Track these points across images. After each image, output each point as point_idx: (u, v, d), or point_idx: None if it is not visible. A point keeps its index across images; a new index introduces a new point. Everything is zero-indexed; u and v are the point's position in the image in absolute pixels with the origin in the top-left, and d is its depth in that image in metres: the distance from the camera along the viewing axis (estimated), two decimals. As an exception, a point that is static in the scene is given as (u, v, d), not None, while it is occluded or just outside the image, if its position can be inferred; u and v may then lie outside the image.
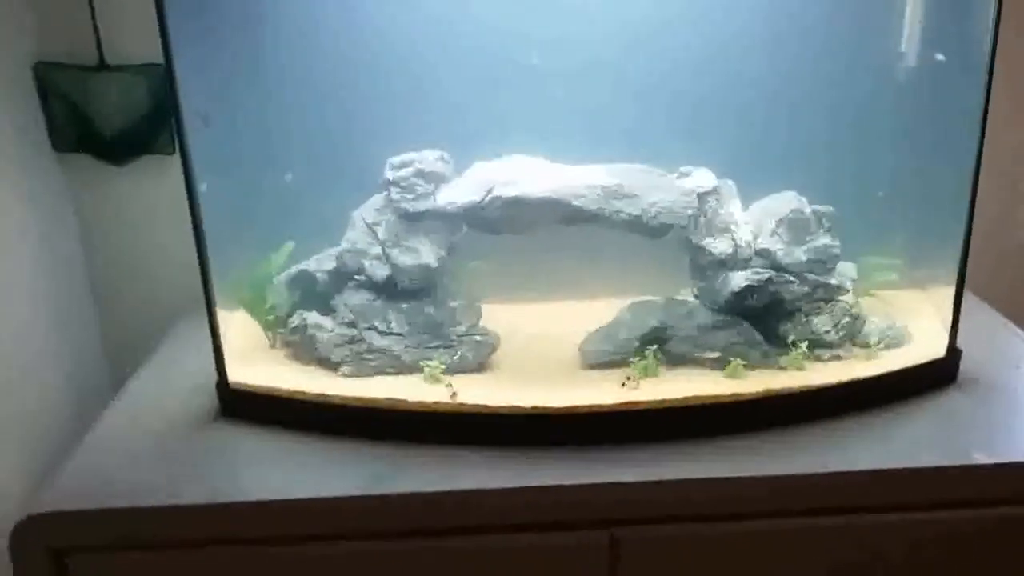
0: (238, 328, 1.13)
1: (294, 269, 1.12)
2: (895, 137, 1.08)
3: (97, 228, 1.40)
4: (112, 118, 1.30)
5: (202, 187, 0.98)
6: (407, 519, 0.92)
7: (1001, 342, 1.18)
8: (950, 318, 1.05)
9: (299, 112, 1.11)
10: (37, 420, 1.25)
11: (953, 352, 1.06)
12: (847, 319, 1.04)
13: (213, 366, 1.09)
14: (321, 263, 1.10)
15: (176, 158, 1.33)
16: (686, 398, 0.98)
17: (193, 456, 0.99)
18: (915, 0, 1.05)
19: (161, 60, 1.20)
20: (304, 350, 1.08)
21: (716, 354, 1.00)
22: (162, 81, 1.30)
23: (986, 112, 0.97)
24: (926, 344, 1.08)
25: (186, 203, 1.26)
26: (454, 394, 0.99)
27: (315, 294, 1.10)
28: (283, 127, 1.11)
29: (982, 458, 0.92)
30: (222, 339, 1.04)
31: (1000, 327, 1.22)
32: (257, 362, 1.11)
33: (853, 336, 1.05)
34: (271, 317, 1.11)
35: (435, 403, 1.00)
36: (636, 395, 0.99)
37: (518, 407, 0.98)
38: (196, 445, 1.01)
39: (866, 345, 1.05)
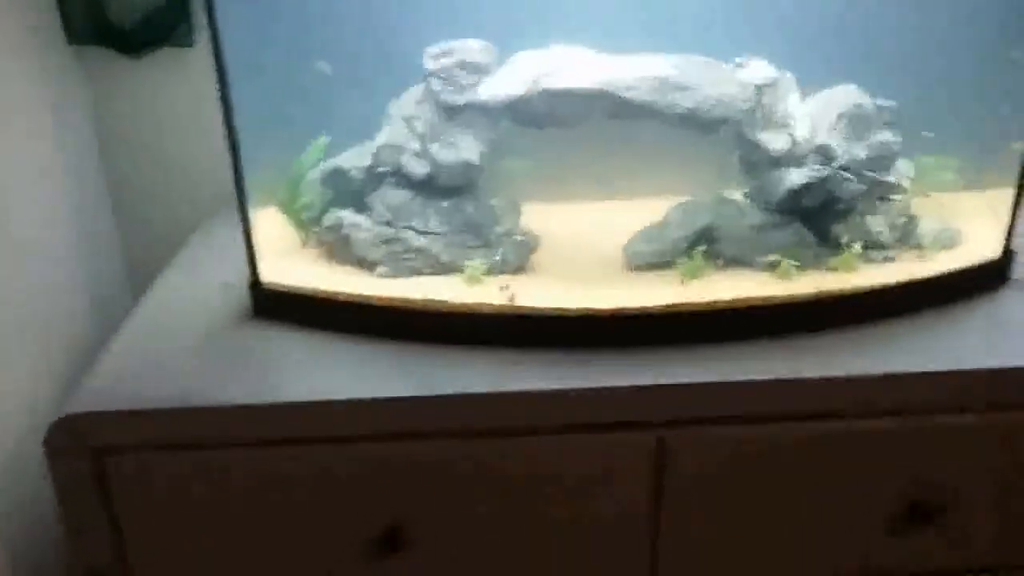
0: (268, 227, 1.09)
1: (328, 165, 1.07)
2: (956, 31, 1.03)
3: (115, 123, 1.35)
4: (128, 7, 1.23)
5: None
6: (456, 420, 0.90)
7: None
8: (1007, 220, 1.02)
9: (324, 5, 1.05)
10: (57, 323, 1.22)
11: (1008, 253, 1.03)
12: (903, 220, 1.01)
13: (244, 266, 1.07)
14: (356, 159, 1.06)
15: (196, 50, 1.29)
16: (737, 299, 0.95)
17: (230, 356, 0.97)
18: None
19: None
20: (339, 250, 1.05)
21: (772, 257, 0.97)
22: (180, -32, 1.24)
23: None
24: (980, 246, 1.04)
25: (209, 96, 1.21)
26: (512, 296, 0.96)
27: (350, 192, 1.06)
28: (315, 16, 1.05)
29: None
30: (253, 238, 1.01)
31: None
32: (290, 261, 1.08)
33: (907, 237, 1.02)
34: (305, 215, 1.07)
35: (477, 304, 0.97)
36: (686, 296, 0.96)
37: (565, 309, 0.95)
38: (231, 345, 0.99)
39: (919, 247, 1.02)
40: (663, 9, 1.03)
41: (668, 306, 0.96)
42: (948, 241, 1.03)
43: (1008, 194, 1.03)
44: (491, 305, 0.97)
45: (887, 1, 1.03)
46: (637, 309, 0.96)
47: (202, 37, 1.29)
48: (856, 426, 0.92)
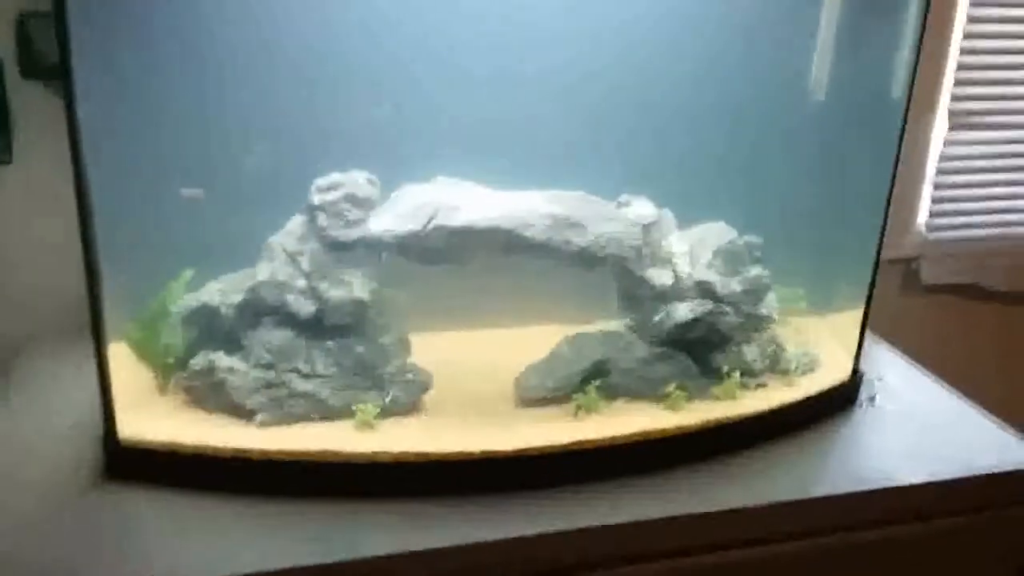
0: (115, 369, 0.97)
1: (193, 302, 0.97)
2: (803, 170, 1.13)
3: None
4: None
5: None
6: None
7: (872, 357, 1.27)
8: (855, 342, 1.12)
9: (190, 127, 0.97)
10: None
11: (856, 374, 1.13)
12: (772, 348, 1.07)
13: (82, 417, 0.95)
14: (225, 296, 0.97)
15: (11, 169, 1.14)
16: (634, 434, 0.96)
17: (85, 532, 0.83)
18: (834, 36, 1.10)
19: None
20: (209, 396, 0.95)
21: (667, 388, 0.99)
22: (-5, 75, 1.10)
23: (901, 140, 1.05)
24: (833, 368, 1.13)
25: (24, 220, 1.06)
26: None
27: (218, 331, 0.97)
28: (173, 143, 0.97)
29: (906, 479, 0.98)
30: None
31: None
32: (147, 411, 0.95)
33: (775, 364, 1.08)
34: (170, 359, 0.96)
35: (374, 452, 0.91)
36: (587, 433, 0.95)
37: (466, 452, 0.92)
38: (85, 518, 0.85)
39: (786, 372, 1.09)
40: (536, 145, 1.05)
41: (569, 444, 0.95)
42: (808, 365, 1.10)
43: (847, 317, 1.14)
44: (389, 452, 0.91)
45: (741, 141, 1.11)
46: (539, 449, 0.94)
47: (24, 153, 1.14)
48: (751, 554, 0.95)
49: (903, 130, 1.05)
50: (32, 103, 1.13)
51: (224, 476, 0.90)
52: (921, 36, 1.04)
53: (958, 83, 1.53)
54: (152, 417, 0.94)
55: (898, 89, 1.05)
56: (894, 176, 1.05)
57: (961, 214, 1.61)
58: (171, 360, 0.97)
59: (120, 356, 0.95)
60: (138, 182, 0.95)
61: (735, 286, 1.04)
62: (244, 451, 0.90)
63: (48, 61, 1.11)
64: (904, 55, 1.07)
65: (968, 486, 0.99)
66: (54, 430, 0.98)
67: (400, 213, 0.96)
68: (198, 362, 0.94)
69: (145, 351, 0.97)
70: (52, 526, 0.84)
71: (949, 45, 1.51)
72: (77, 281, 0.87)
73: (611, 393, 1.02)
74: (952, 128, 1.56)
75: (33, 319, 1.18)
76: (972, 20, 1.49)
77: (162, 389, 0.98)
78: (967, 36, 1.50)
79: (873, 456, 1.03)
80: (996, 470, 0.99)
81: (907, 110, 1.06)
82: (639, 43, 1.05)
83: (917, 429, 1.08)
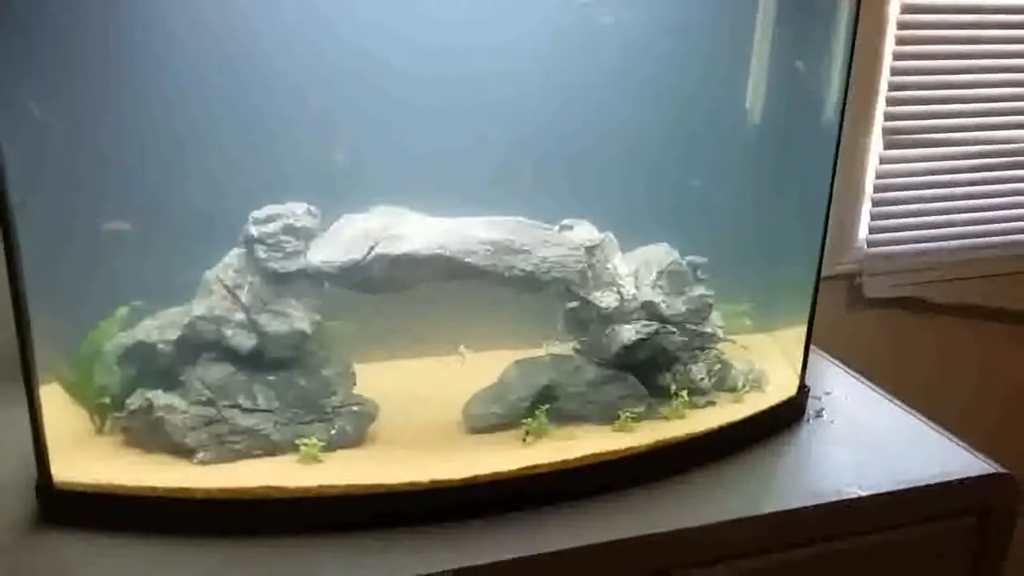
0: (49, 411, 0.93)
1: (127, 340, 0.95)
2: (743, 191, 1.15)
3: None
4: None
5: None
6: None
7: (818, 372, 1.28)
8: (800, 358, 1.13)
9: (122, 161, 0.95)
10: None
11: (802, 389, 1.14)
12: (718, 366, 1.08)
13: (16, 461, 0.91)
14: (162, 332, 0.94)
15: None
16: (584, 457, 0.96)
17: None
18: (768, 58, 1.12)
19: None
20: (147, 436, 0.92)
21: (617, 410, 0.99)
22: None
23: (836, 159, 1.07)
24: (780, 384, 1.14)
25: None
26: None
27: (155, 369, 0.94)
28: (104, 178, 0.95)
29: (854, 491, 0.99)
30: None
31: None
32: (83, 453, 0.93)
33: (722, 382, 1.09)
34: (105, 399, 0.93)
35: (320, 486, 0.89)
36: (537, 458, 0.94)
37: (415, 482, 0.90)
38: (19, 570, 0.82)
39: (733, 389, 1.09)
40: (473, 171, 1.04)
41: (520, 470, 0.94)
42: (755, 382, 1.11)
43: (793, 333, 1.15)
44: (336, 486, 0.89)
45: (678, 162, 1.13)
46: (489, 476, 0.93)
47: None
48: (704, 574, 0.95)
49: (837, 149, 1.07)
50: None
51: (165, 518, 0.87)
52: (850, 59, 1.06)
53: (890, 103, 1.58)
54: (88, 459, 0.91)
55: (832, 109, 1.07)
56: (831, 194, 1.07)
57: (899, 229, 1.65)
58: (107, 400, 0.94)
59: (54, 398, 0.93)
60: (68, 220, 0.94)
61: (680, 306, 1.04)
62: (185, 491, 0.88)
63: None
64: (836, 77, 1.10)
65: (915, 497, 1.00)
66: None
67: (340, 243, 0.95)
68: (135, 401, 0.92)
69: (79, 392, 0.94)
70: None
71: (881, 67, 1.55)
72: (5, 322, 0.84)
73: (561, 417, 1.01)
74: (887, 147, 1.60)
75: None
76: (900, 42, 1.53)
77: (98, 430, 0.95)
78: (896, 57, 1.55)
79: (821, 470, 1.04)
80: (941, 480, 1.01)
81: (840, 129, 1.09)
82: (572, 70, 1.06)
83: (864, 442, 1.10)
